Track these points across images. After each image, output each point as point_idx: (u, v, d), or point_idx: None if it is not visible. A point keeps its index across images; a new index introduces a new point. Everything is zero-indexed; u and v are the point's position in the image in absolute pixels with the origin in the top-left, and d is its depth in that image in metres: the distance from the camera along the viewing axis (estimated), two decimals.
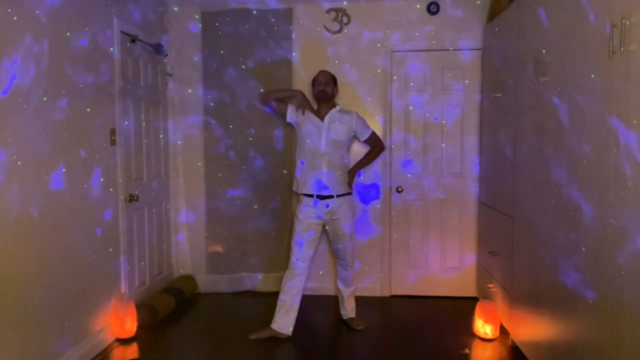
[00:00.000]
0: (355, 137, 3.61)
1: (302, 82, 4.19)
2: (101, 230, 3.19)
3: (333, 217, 3.41)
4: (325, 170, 3.38)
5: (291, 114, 3.59)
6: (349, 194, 3.51)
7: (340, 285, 3.66)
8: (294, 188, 3.57)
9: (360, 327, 3.55)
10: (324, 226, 3.49)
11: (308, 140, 3.44)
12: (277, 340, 3.35)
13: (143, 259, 3.80)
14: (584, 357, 2.15)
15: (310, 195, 3.39)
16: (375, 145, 3.68)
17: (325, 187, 3.37)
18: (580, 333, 2.18)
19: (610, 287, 1.93)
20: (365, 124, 3.62)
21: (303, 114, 3.53)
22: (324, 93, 3.47)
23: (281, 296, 3.40)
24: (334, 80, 3.59)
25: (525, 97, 2.88)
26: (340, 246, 3.50)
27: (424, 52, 4.12)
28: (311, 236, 3.39)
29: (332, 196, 3.37)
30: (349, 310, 3.67)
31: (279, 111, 3.69)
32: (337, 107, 3.54)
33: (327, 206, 3.37)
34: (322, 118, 3.47)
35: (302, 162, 3.47)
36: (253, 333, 3.37)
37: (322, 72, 3.59)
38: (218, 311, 3.96)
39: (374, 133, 3.65)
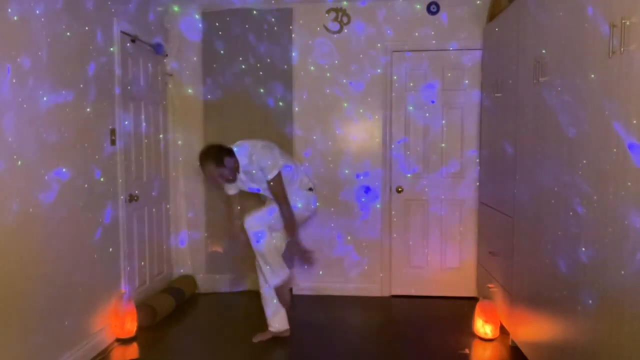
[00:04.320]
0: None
1: (302, 82, 4.19)
2: (101, 230, 3.19)
3: None
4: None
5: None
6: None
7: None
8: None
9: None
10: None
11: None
12: (277, 339, 3.35)
13: (143, 259, 3.80)
14: (583, 357, 2.14)
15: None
16: (279, 204, 3.21)
17: None
18: (580, 333, 2.18)
19: (610, 288, 1.93)
20: (264, 161, 3.13)
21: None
22: (228, 180, 3.15)
23: (273, 300, 3.32)
24: (217, 164, 3.03)
25: (525, 97, 2.88)
26: None
27: (424, 52, 4.12)
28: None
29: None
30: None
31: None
32: (240, 159, 3.12)
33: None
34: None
35: None
36: (256, 337, 3.36)
37: (204, 172, 3.12)
38: (218, 311, 3.96)
39: (272, 181, 3.13)
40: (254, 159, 3.11)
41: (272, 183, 3.11)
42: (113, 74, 3.34)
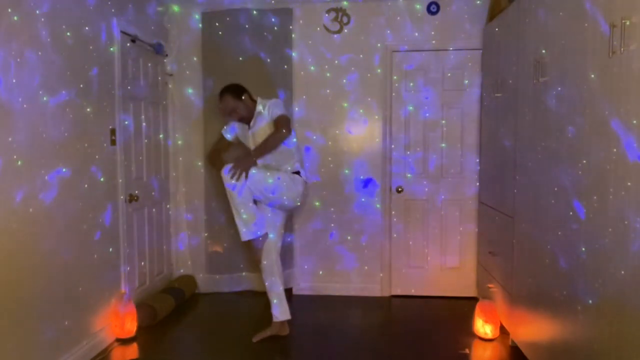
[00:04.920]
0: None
1: (302, 81, 4.19)
2: (101, 230, 3.19)
3: None
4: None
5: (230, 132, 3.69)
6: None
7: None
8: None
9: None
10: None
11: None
12: (277, 339, 3.35)
13: (143, 259, 3.80)
14: (583, 357, 2.15)
15: None
16: (277, 129, 3.29)
17: None
18: (580, 333, 2.18)
19: (610, 287, 1.93)
20: (276, 107, 3.36)
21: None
22: (240, 117, 3.45)
23: (279, 288, 3.38)
24: (235, 96, 3.41)
25: (525, 97, 2.88)
26: None
27: (423, 52, 4.12)
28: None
29: None
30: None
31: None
32: (258, 106, 3.40)
33: None
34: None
35: None
36: (256, 336, 3.35)
37: (221, 102, 3.46)
38: (218, 311, 3.96)
39: (280, 116, 3.31)
40: (269, 107, 3.35)
41: (279, 121, 3.26)
42: (113, 74, 3.34)
